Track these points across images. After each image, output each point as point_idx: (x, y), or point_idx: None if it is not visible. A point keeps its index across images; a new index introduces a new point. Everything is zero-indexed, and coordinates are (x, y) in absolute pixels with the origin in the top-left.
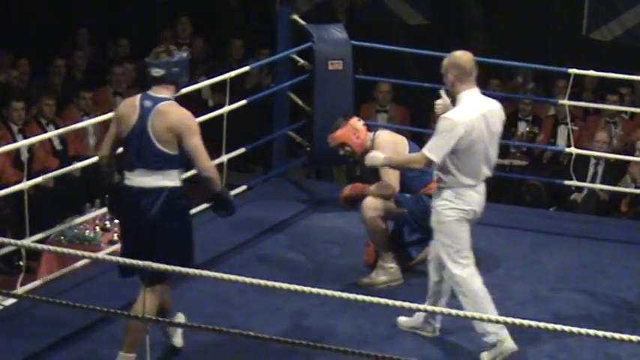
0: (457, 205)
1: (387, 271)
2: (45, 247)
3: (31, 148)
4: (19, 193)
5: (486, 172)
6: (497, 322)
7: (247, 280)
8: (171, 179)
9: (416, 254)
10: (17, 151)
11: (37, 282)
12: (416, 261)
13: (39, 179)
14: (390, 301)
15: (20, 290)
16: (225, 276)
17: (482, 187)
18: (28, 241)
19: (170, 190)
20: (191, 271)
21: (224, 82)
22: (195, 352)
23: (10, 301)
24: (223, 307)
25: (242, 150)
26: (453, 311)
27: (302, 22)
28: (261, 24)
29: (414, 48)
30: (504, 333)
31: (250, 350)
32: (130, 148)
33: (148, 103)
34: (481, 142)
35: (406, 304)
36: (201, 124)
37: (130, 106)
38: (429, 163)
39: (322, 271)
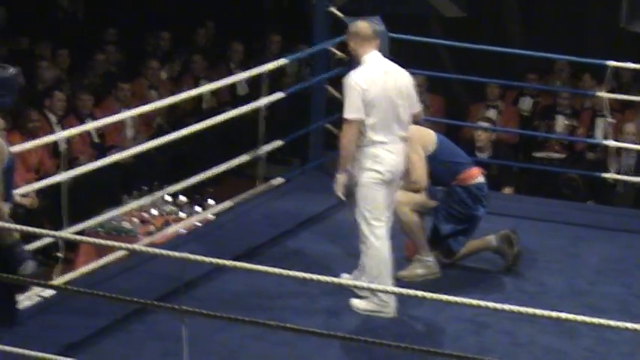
0: (373, 167)
1: (425, 264)
2: (83, 238)
3: (68, 140)
4: (57, 185)
5: (398, 130)
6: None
7: (284, 272)
8: None
9: (456, 247)
10: (55, 142)
11: (74, 273)
12: (460, 255)
13: (76, 171)
14: (428, 294)
15: (58, 281)
16: (262, 268)
17: (396, 148)
18: (65, 233)
19: None
20: (228, 262)
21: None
22: (232, 344)
23: (48, 292)
24: (260, 299)
25: (279, 142)
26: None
27: (339, 14)
28: (296, 16)
29: (450, 40)
30: (392, 301)
31: (287, 343)
32: None
33: None
34: (386, 96)
35: (444, 297)
36: (237, 118)
37: None
38: (353, 123)
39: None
